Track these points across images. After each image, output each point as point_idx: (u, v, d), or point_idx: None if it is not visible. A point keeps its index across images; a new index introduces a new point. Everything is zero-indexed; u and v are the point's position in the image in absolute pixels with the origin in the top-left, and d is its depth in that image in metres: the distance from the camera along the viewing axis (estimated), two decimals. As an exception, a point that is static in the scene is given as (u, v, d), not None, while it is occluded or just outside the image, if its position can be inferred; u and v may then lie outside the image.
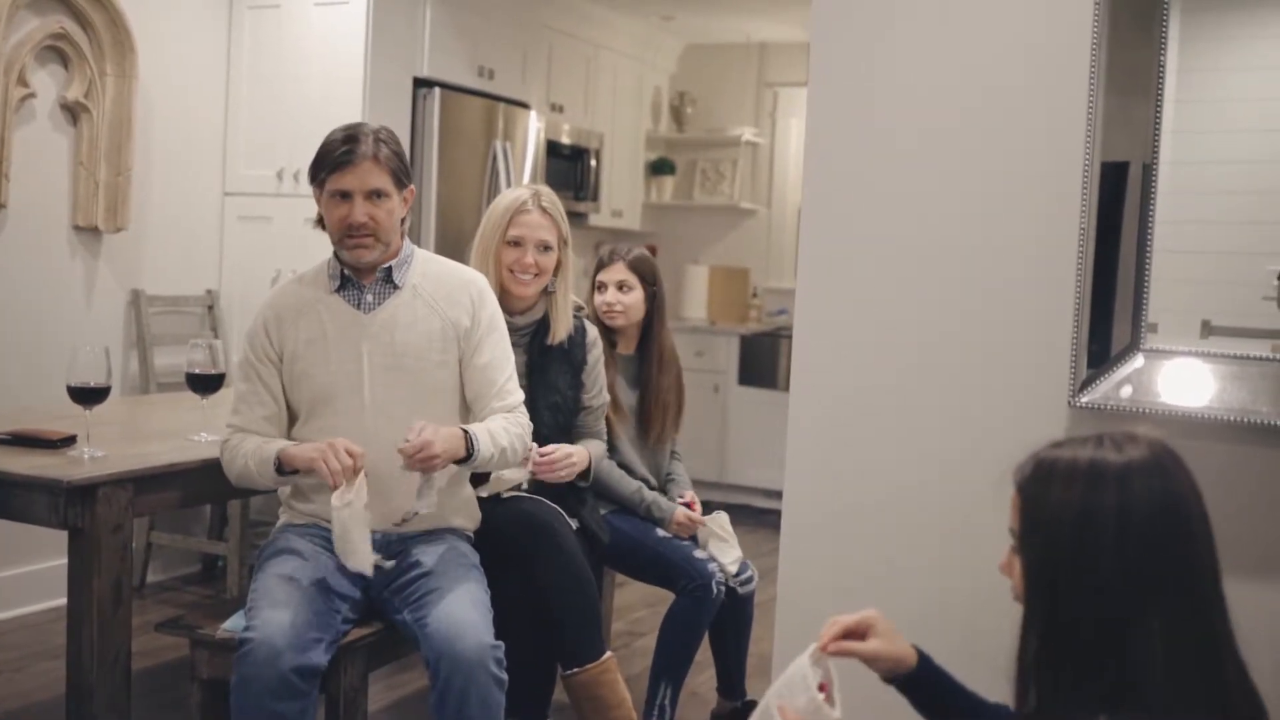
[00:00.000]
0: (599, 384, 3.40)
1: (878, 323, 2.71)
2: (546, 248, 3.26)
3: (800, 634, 2.70)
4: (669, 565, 3.42)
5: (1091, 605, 1.42)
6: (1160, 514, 1.42)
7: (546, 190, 3.35)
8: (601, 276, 3.63)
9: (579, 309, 3.43)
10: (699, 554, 3.43)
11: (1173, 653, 1.39)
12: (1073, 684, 1.43)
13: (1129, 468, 1.44)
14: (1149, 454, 1.45)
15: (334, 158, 2.75)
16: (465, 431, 2.74)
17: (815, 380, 2.78)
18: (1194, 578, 1.42)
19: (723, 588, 3.38)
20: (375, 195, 2.76)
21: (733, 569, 3.47)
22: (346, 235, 2.78)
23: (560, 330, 3.29)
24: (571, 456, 3.22)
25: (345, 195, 2.76)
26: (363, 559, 2.65)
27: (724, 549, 3.51)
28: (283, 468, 2.74)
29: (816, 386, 2.78)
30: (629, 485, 3.53)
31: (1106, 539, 1.41)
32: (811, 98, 2.79)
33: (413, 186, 2.88)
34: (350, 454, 2.62)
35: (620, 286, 3.61)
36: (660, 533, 3.48)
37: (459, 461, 2.74)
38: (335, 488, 2.60)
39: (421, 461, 2.64)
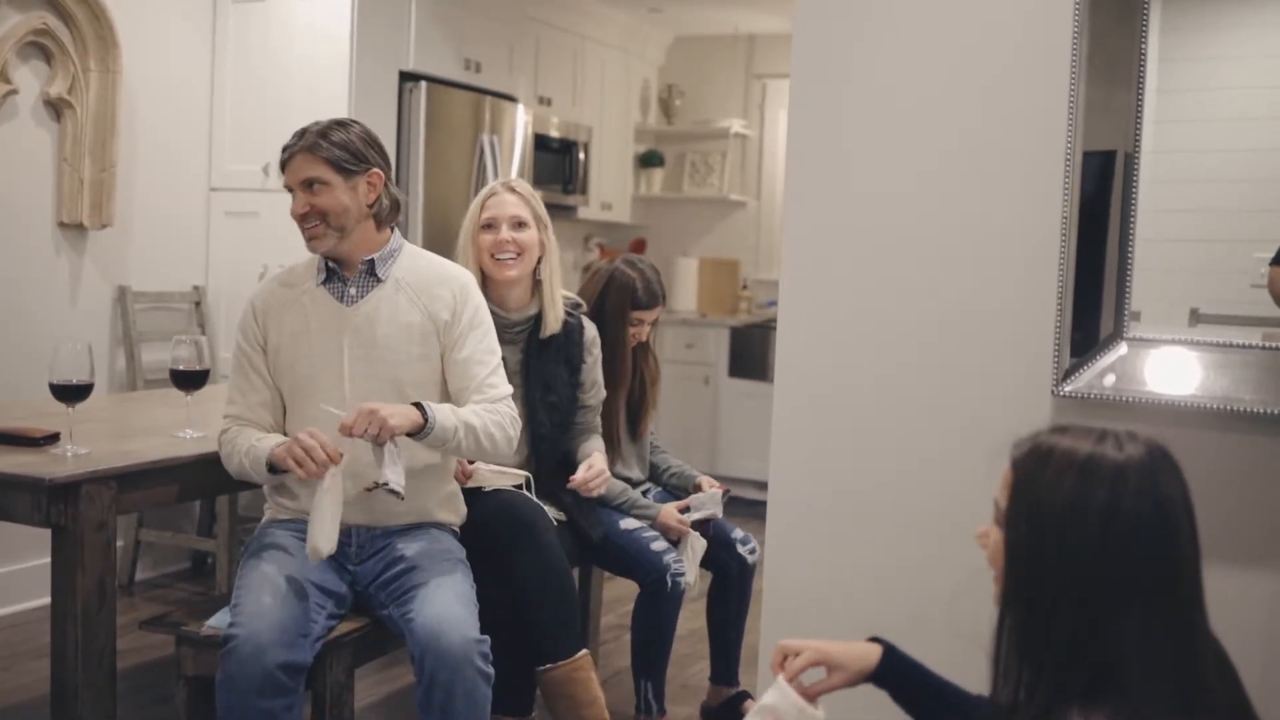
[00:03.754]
0: (598, 383, 3.40)
1: (861, 313, 2.71)
2: (520, 224, 3.26)
3: (787, 626, 2.71)
4: (627, 558, 3.40)
5: (1068, 594, 1.42)
6: (1148, 516, 1.42)
7: (520, 180, 3.39)
8: (643, 315, 3.64)
9: (576, 305, 3.42)
10: (656, 546, 3.39)
11: (1149, 650, 1.39)
12: (1051, 669, 1.43)
13: (1125, 467, 1.43)
14: (1145, 455, 1.44)
15: (281, 160, 2.84)
16: (418, 405, 2.71)
17: (799, 372, 2.78)
18: (1175, 580, 1.42)
19: (680, 579, 3.37)
20: (310, 184, 2.80)
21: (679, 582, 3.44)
22: (300, 228, 2.84)
23: (551, 321, 3.28)
24: (604, 472, 3.28)
25: (290, 190, 2.84)
26: (321, 540, 2.58)
27: (685, 564, 3.47)
28: (274, 467, 2.74)
29: (801, 378, 2.78)
30: (614, 488, 3.52)
31: (1091, 534, 1.41)
32: (794, 89, 2.79)
33: (376, 170, 2.85)
34: (312, 436, 2.61)
35: (654, 322, 3.72)
36: (623, 524, 3.44)
37: (418, 433, 2.69)
38: (309, 477, 2.61)
39: (370, 424, 2.60)
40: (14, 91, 4.32)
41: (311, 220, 2.80)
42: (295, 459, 2.61)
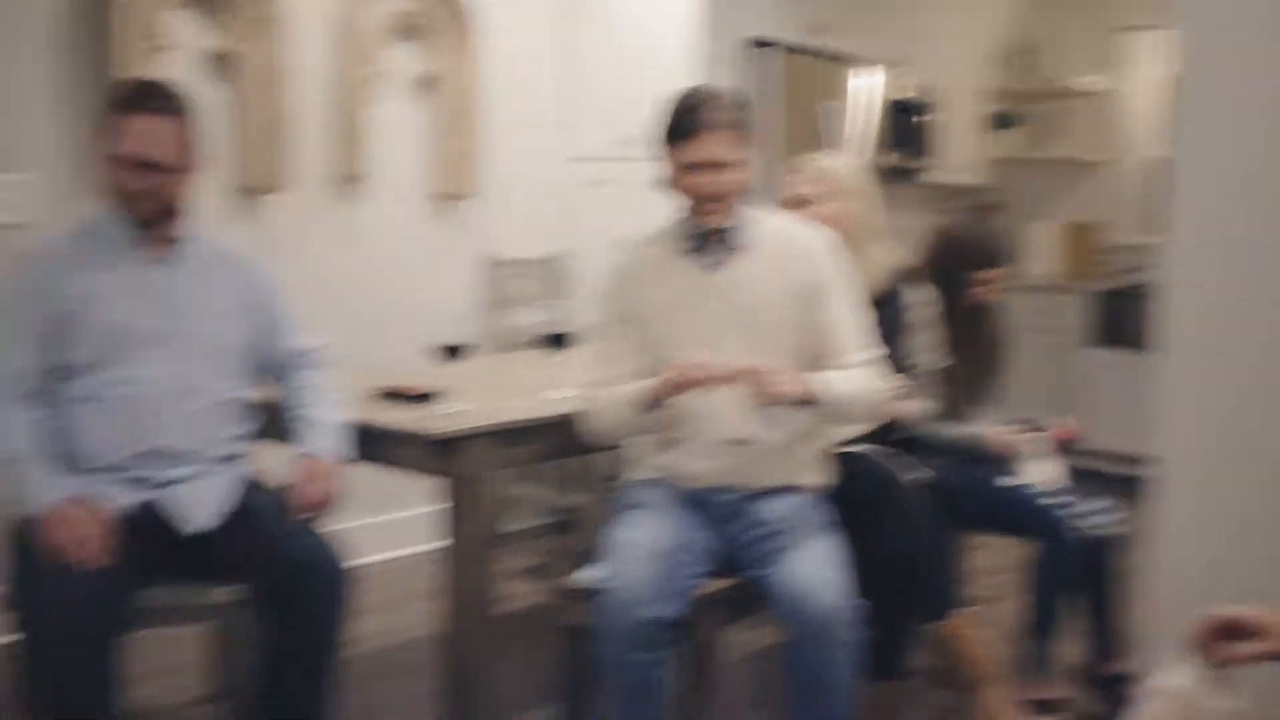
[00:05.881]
0: (917, 349, 3.32)
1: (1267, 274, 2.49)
2: (804, 202, 3.22)
3: (1187, 607, 2.54)
4: (1015, 513, 3.41)
5: None
6: None
7: (811, 157, 3.39)
8: (983, 275, 3.60)
9: (903, 272, 3.34)
10: (1043, 501, 3.39)
11: None
12: None
13: None
14: None
15: (680, 128, 2.75)
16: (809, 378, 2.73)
17: (1193, 340, 2.58)
18: None
19: (1074, 531, 3.33)
20: (721, 165, 2.75)
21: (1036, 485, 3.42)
22: (697, 202, 2.80)
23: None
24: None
25: (693, 166, 2.76)
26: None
27: (1033, 467, 3.46)
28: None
29: (1195, 347, 2.58)
30: (948, 433, 3.48)
31: None
32: (1185, 35, 2.58)
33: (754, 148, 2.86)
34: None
35: (999, 282, 3.68)
36: (999, 482, 3.44)
37: (803, 402, 2.71)
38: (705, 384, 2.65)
39: (763, 381, 2.64)
40: (388, 71, 4.61)
41: (716, 198, 2.78)
42: (687, 376, 2.66)
